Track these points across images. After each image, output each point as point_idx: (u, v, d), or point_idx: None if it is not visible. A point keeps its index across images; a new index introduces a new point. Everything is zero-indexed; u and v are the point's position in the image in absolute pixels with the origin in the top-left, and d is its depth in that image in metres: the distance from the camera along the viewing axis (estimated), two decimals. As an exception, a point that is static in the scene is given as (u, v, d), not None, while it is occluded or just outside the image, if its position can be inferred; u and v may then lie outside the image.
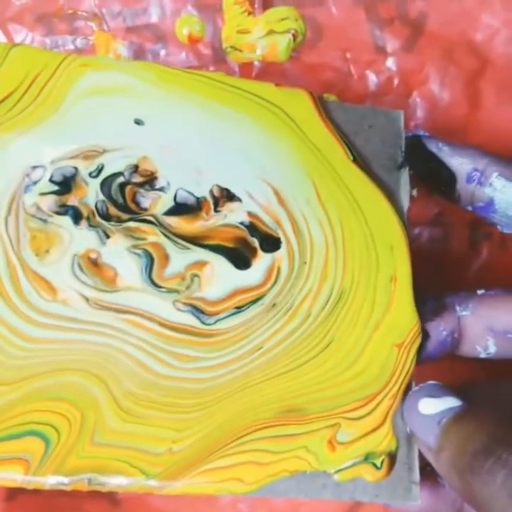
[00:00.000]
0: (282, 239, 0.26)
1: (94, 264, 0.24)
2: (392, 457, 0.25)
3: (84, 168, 0.25)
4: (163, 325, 0.24)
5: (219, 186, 0.26)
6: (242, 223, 0.26)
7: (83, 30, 0.33)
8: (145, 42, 0.34)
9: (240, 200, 0.26)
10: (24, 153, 0.25)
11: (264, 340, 0.25)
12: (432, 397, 0.24)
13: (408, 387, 0.26)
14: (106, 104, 0.25)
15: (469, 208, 0.28)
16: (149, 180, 0.25)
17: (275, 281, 0.26)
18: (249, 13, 0.33)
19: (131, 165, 0.25)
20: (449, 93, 0.35)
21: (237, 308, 0.25)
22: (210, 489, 0.24)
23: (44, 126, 0.25)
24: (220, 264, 0.25)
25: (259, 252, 0.26)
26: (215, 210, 0.26)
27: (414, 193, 0.28)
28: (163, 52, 0.34)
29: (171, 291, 0.25)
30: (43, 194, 0.25)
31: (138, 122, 0.26)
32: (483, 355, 0.28)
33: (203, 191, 0.26)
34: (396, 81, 0.34)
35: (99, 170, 0.25)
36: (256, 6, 0.33)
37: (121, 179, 0.25)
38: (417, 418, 0.24)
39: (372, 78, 0.34)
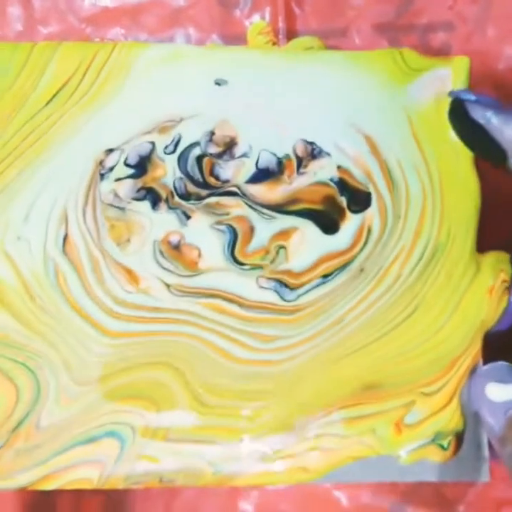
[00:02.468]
0: (373, 194, 0.24)
1: (175, 249, 0.24)
2: (459, 437, 0.23)
3: (161, 142, 0.24)
4: (243, 305, 0.24)
5: (304, 141, 0.24)
6: (331, 180, 0.24)
7: (109, 58, 0.34)
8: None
9: (328, 154, 0.24)
10: (96, 137, 0.24)
11: (347, 311, 0.24)
12: (500, 381, 0.22)
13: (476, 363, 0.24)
14: (179, 71, 0.24)
15: None
16: (229, 148, 0.24)
17: (365, 244, 0.24)
18: (274, 44, 0.34)
19: (207, 132, 0.24)
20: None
21: (323, 276, 0.24)
22: (275, 479, 0.23)
23: (112, 106, 0.24)
24: (308, 230, 0.24)
25: (348, 214, 0.24)
26: (299, 171, 0.24)
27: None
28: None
29: (254, 267, 0.24)
30: (119, 180, 0.24)
31: (219, 83, 0.24)
32: None
33: (286, 149, 0.24)
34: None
35: (176, 142, 0.24)
36: (280, 36, 0.34)
37: (197, 151, 0.24)
38: (484, 402, 0.22)
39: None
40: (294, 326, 0.24)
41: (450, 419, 0.23)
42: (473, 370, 0.24)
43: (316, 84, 0.24)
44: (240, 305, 0.24)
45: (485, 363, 0.24)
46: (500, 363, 0.23)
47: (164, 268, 0.24)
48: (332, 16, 0.34)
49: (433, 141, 0.24)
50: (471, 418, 0.23)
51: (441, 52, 0.34)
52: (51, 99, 0.24)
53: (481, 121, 0.23)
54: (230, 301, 0.24)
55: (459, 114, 0.24)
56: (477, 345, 0.24)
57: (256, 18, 0.34)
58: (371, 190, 0.24)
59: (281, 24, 0.34)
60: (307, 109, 0.24)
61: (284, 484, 0.26)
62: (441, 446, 0.23)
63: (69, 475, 0.23)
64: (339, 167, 0.24)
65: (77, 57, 0.25)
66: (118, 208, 0.24)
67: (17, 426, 0.23)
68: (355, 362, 0.24)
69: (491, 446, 0.24)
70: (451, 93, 0.24)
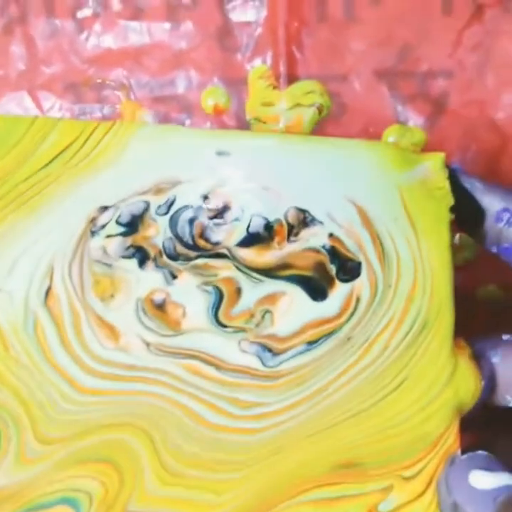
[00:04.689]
0: (363, 264, 0.24)
1: (159, 307, 0.23)
2: None
3: (156, 202, 0.24)
4: (222, 368, 0.23)
5: (297, 208, 0.24)
6: (323, 247, 0.24)
7: (111, 99, 0.34)
8: (171, 111, 0.34)
9: (320, 223, 0.24)
10: (91, 196, 0.24)
11: (331, 381, 0.23)
12: (484, 469, 0.22)
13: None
14: (182, 142, 0.25)
15: (494, 249, 0.27)
16: (221, 213, 0.24)
17: (353, 312, 0.23)
18: (274, 87, 0.34)
19: (202, 196, 0.24)
20: (470, 171, 0.35)
21: (308, 343, 0.23)
22: None
23: (110, 170, 0.25)
24: (296, 296, 0.24)
25: (337, 282, 0.24)
26: (289, 239, 0.24)
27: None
28: (188, 122, 0.34)
29: (238, 330, 0.23)
30: (109, 237, 0.24)
31: (221, 153, 0.25)
32: None
33: (278, 215, 0.24)
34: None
35: (170, 204, 0.24)
36: (281, 80, 0.34)
37: (190, 214, 0.24)
38: (468, 491, 0.22)
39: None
40: (273, 393, 0.23)
41: (426, 509, 0.22)
42: (451, 456, 0.23)
43: (313, 159, 0.25)
44: (218, 368, 0.23)
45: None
46: (479, 452, 0.23)
47: (146, 326, 0.23)
48: (333, 60, 0.35)
49: (423, 218, 0.25)
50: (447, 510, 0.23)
51: (440, 100, 0.34)
52: (49, 162, 0.25)
53: (467, 185, 0.26)
54: (209, 363, 0.23)
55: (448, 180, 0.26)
56: (455, 428, 0.23)
57: (257, 61, 0.34)
58: (362, 259, 0.24)
59: (282, 68, 0.34)
60: (301, 180, 0.24)
61: None
62: None
63: None
64: (331, 235, 0.24)
65: (77, 129, 0.25)
66: (105, 264, 0.24)
67: None
68: (336, 436, 0.23)
69: None
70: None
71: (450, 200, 0.25)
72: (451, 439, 0.23)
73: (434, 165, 0.25)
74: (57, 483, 0.22)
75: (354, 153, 0.25)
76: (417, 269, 0.24)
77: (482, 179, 0.26)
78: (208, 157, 0.25)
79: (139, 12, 0.34)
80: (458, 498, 0.22)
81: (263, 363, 0.23)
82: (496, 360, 0.25)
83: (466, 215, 0.26)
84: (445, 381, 0.23)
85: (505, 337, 0.25)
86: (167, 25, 0.34)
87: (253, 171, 0.25)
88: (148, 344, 0.23)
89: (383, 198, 0.25)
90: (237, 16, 0.34)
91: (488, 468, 0.22)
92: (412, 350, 0.23)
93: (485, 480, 0.22)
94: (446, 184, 0.25)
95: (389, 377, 0.23)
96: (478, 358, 0.24)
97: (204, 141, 0.25)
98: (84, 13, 0.34)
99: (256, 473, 0.22)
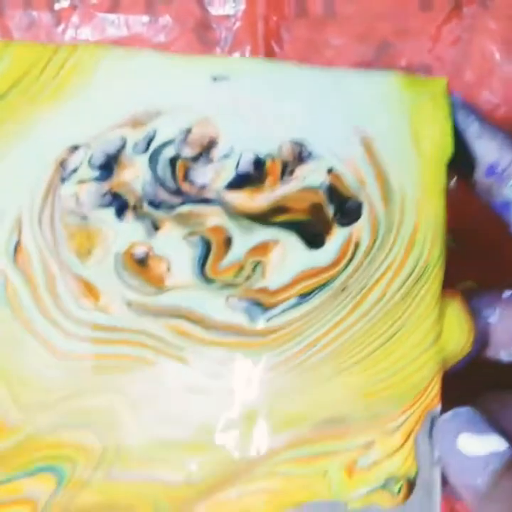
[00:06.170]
0: (365, 204, 0.22)
1: (140, 263, 0.21)
2: (411, 483, 0.21)
3: (132, 138, 0.21)
4: (209, 327, 0.21)
5: (293, 141, 0.22)
6: (320, 185, 0.22)
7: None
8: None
9: (319, 157, 0.22)
10: (58, 134, 0.21)
11: (322, 335, 0.21)
12: (472, 432, 0.21)
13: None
14: (160, 66, 0.22)
15: (485, 199, 0.24)
16: (207, 150, 0.22)
17: (351, 259, 0.22)
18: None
19: (184, 130, 0.21)
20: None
21: (300, 296, 0.21)
22: None
23: (78, 99, 0.21)
24: (290, 244, 0.22)
25: (335, 226, 0.22)
26: (283, 178, 0.22)
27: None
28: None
29: (226, 285, 0.21)
30: (82, 182, 0.21)
31: (217, 78, 0.22)
32: (506, 359, 0.24)
33: (270, 148, 0.22)
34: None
35: (149, 140, 0.21)
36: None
37: (171, 152, 0.21)
38: (456, 456, 0.21)
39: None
40: (262, 350, 0.21)
41: (403, 463, 0.21)
42: (432, 412, 0.22)
43: (312, 85, 0.22)
44: (205, 327, 0.21)
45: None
46: (464, 408, 0.21)
47: (127, 284, 0.21)
48: (312, 55, 0.34)
49: (426, 154, 0.22)
50: (426, 464, 0.22)
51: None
52: (3, 95, 0.22)
53: (461, 124, 0.23)
54: (195, 321, 0.21)
55: None
56: (439, 382, 0.22)
57: (236, 55, 0.34)
58: (363, 199, 0.22)
59: (260, 62, 0.34)
60: (299, 108, 0.22)
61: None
62: (392, 492, 0.21)
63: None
64: (330, 171, 0.22)
65: (33, 53, 0.22)
66: (79, 215, 0.21)
67: None
68: (324, 391, 0.21)
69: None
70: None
71: (450, 135, 0.22)
72: (434, 393, 0.22)
73: (436, 89, 0.22)
74: (39, 451, 0.21)
75: (357, 80, 0.22)
76: (420, 212, 0.22)
77: (483, 119, 0.23)
78: (197, 82, 0.22)
79: (117, 4, 0.34)
80: (445, 461, 0.21)
81: (252, 320, 0.21)
82: (492, 319, 0.23)
83: (457, 160, 0.23)
84: (436, 333, 0.22)
85: (505, 295, 0.24)
86: (145, 19, 0.34)
87: (247, 100, 0.22)
88: (129, 303, 0.21)
89: (390, 127, 0.22)
90: (215, 9, 0.34)
91: (474, 430, 0.21)
92: (408, 300, 0.22)
93: (473, 445, 0.21)
94: (448, 112, 0.22)
95: (381, 330, 0.22)
96: (473, 314, 0.23)
97: (189, 65, 0.22)
98: (62, 4, 0.34)
99: (244, 427, 0.21)
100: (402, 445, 0.21)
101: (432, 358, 0.22)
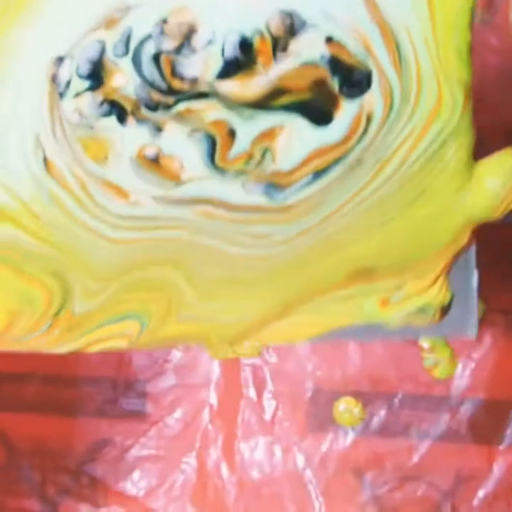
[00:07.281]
0: (374, 72, 0.20)
1: (153, 162, 0.21)
2: (445, 307, 0.23)
3: (111, 40, 0.20)
4: (232, 209, 0.22)
5: (281, 12, 0.19)
6: (320, 59, 0.19)
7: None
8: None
9: (313, 25, 0.19)
10: (40, 46, 0.20)
11: (343, 203, 0.21)
12: None
13: None
14: None
15: None
16: (187, 38, 0.20)
17: (364, 132, 0.20)
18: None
19: (159, 21, 0.19)
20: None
21: (315, 173, 0.21)
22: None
23: (46, 6, 0.20)
24: (296, 126, 0.20)
25: (342, 100, 0.20)
26: (276, 56, 0.20)
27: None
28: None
29: (238, 173, 0.21)
30: (78, 95, 0.21)
31: None
32: None
33: (257, 24, 0.19)
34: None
35: (126, 40, 0.20)
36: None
37: (151, 49, 0.20)
38: None
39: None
40: (287, 222, 0.22)
41: (436, 295, 0.23)
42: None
43: None
44: (228, 209, 0.22)
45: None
46: None
47: (148, 181, 0.22)
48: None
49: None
50: (461, 276, 0.23)
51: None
52: None
53: None
54: (218, 206, 0.22)
55: None
56: (468, 233, 0.22)
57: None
58: (372, 66, 0.20)
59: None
60: None
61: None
62: (427, 315, 0.23)
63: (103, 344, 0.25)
64: (329, 40, 0.19)
65: None
66: (86, 126, 0.21)
67: (57, 312, 0.24)
68: (350, 249, 0.23)
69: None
70: None
71: None
72: (463, 240, 0.22)
73: None
74: (122, 305, 0.24)
75: None
76: (438, 74, 0.20)
77: None
78: None
79: None
80: None
81: (271, 199, 0.22)
82: None
83: None
84: (462, 193, 0.21)
85: None
86: None
87: None
88: (155, 198, 0.22)
89: None
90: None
91: None
92: (432, 164, 0.21)
93: None
94: None
95: (405, 193, 0.21)
96: None
97: None
98: None
99: (277, 285, 0.23)
100: (436, 280, 0.23)
101: (458, 217, 0.22)
